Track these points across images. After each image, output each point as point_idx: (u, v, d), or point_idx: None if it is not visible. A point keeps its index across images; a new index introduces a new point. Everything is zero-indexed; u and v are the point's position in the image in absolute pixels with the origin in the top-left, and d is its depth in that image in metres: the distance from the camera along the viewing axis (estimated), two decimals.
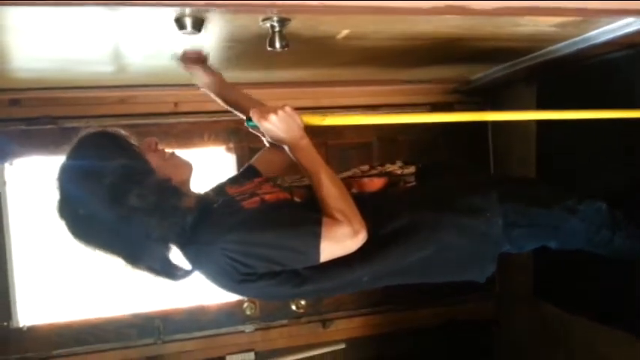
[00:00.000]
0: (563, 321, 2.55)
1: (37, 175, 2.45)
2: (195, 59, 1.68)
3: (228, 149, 2.70)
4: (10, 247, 2.46)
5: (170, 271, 1.32)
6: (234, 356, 2.68)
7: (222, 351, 2.68)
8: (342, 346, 2.85)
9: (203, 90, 1.73)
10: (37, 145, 2.42)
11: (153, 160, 1.31)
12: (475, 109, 2.95)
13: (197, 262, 1.32)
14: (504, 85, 2.66)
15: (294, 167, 1.41)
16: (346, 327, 2.86)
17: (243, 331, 2.71)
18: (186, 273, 1.33)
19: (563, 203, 1.53)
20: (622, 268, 1.95)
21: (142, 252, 1.27)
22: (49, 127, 2.41)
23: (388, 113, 2.81)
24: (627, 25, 1.66)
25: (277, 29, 1.40)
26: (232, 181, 1.60)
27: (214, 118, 2.64)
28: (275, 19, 1.37)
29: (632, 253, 1.65)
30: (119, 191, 1.21)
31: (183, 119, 2.61)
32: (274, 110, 1.28)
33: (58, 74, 2.03)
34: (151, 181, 1.25)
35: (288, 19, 1.39)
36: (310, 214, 1.29)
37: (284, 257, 1.26)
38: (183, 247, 1.32)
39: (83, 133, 1.32)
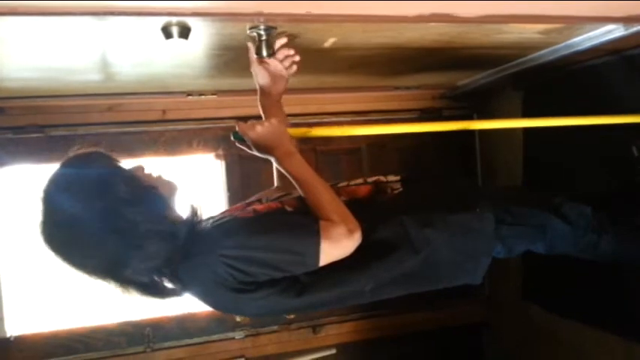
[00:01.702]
0: (551, 324, 2.57)
1: (24, 184, 2.44)
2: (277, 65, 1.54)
3: (217, 156, 2.70)
4: None
5: (158, 286, 1.28)
6: None
7: (213, 358, 2.68)
8: (333, 351, 2.85)
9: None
10: (24, 154, 2.41)
11: (140, 174, 1.31)
12: (463, 114, 2.98)
13: (191, 279, 1.28)
14: (491, 90, 2.68)
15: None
16: (337, 332, 2.86)
17: (233, 338, 2.70)
18: (175, 291, 1.30)
19: (547, 205, 1.55)
20: (609, 271, 1.97)
21: (129, 251, 1.20)
22: (36, 135, 2.40)
23: (376, 119, 2.83)
24: (610, 31, 1.68)
25: (264, 37, 1.41)
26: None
27: (203, 125, 2.65)
28: (262, 27, 1.38)
29: (619, 256, 1.67)
30: (105, 183, 1.20)
31: (171, 127, 2.61)
32: (260, 122, 1.30)
33: (45, 83, 2.02)
34: (138, 182, 1.26)
35: (275, 28, 1.40)
36: (305, 218, 1.30)
37: (284, 261, 1.25)
38: (176, 266, 1.27)
39: (72, 152, 1.30)
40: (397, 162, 2.87)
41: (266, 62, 1.51)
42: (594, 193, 1.92)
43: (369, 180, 1.54)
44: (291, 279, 1.28)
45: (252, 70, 1.53)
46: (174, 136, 2.62)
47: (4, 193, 2.46)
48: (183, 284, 1.29)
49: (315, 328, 2.80)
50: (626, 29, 1.61)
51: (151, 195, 1.26)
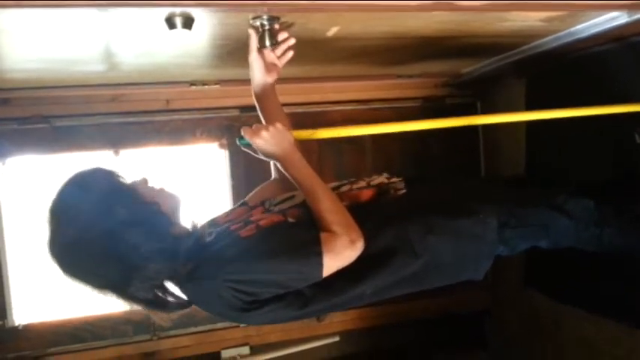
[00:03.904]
0: (553, 311, 2.59)
1: (30, 174, 2.46)
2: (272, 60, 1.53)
3: (221, 145, 2.72)
4: (4, 246, 2.47)
5: (163, 301, 1.30)
6: (229, 351, 2.71)
7: (218, 346, 2.71)
8: (337, 339, 2.88)
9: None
10: (29, 144, 2.43)
11: (142, 190, 1.30)
12: (466, 102, 2.98)
13: (198, 297, 1.32)
14: (494, 77, 2.68)
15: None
16: (340, 320, 2.88)
17: (237, 326, 2.72)
18: (182, 304, 1.33)
19: (550, 202, 1.56)
20: (612, 258, 1.98)
21: (131, 272, 1.22)
22: (41, 126, 2.42)
23: (379, 107, 2.84)
24: (612, 19, 1.67)
25: (267, 27, 1.41)
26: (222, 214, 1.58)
27: (207, 115, 2.66)
28: (265, 17, 1.38)
29: (623, 248, 1.67)
30: (106, 206, 1.20)
31: (175, 116, 2.62)
32: (265, 127, 1.30)
33: (50, 74, 2.03)
34: (139, 199, 1.26)
35: (278, 17, 1.40)
36: (307, 232, 1.30)
37: (288, 279, 1.26)
38: (183, 285, 1.30)
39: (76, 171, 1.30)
40: (400, 149, 2.88)
41: (263, 52, 1.50)
42: (596, 184, 1.92)
43: (373, 183, 1.54)
44: (295, 292, 1.29)
45: (250, 59, 1.51)
46: (178, 125, 2.63)
47: (10, 184, 2.48)
48: (189, 300, 1.33)
49: (319, 316, 2.82)
50: (630, 16, 1.60)
51: (152, 213, 1.26)
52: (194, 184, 2.74)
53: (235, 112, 2.66)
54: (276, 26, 1.44)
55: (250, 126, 1.33)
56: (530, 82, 2.55)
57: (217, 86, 2.46)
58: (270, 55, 1.50)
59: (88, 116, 2.48)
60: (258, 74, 1.53)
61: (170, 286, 1.32)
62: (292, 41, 1.50)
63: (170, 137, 2.62)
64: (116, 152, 2.56)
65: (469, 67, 2.64)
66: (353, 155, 2.87)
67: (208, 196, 2.74)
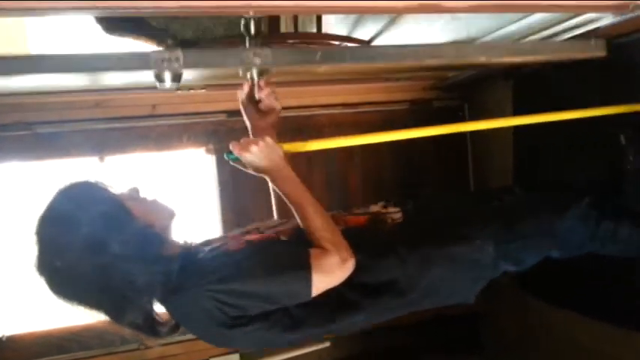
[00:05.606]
0: (547, 314, 2.59)
1: (13, 182, 2.42)
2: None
3: (208, 151, 2.69)
4: None
5: (154, 327, 1.29)
6: (218, 358, 2.68)
7: (207, 354, 2.67)
8: (327, 344, 2.86)
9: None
10: (11, 152, 2.39)
11: (134, 208, 1.25)
12: (453, 104, 2.98)
13: (182, 313, 1.28)
14: (481, 80, 2.69)
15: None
16: None
17: None
18: (172, 329, 1.31)
19: (550, 206, 1.57)
20: (603, 260, 1.97)
21: (125, 304, 1.21)
22: (23, 132, 2.37)
23: (367, 111, 2.83)
24: (596, 19, 1.68)
25: (257, 80, 1.42)
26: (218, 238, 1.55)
27: (193, 120, 2.63)
28: (254, 70, 1.37)
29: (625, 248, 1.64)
30: (98, 239, 1.16)
31: (161, 122, 2.59)
32: (255, 141, 1.27)
33: (31, 79, 1.99)
34: (132, 228, 1.21)
35: (268, 70, 1.40)
36: (298, 248, 1.27)
37: (275, 293, 1.22)
38: (167, 300, 1.27)
39: (62, 185, 1.25)
40: (389, 151, 2.87)
41: (256, 101, 1.49)
42: (588, 183, 1.93)
43: (371, 210, 1.53)
44: (283, 312, 1.26)
45: (242, 108, 1.50)
46: (165, 131, 2.60)
47: None
48: (176, 318, 1.31)
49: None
50: (615, 17, 1.61)
51: (145, 238, 1.22)
52: (181, 189, 2.71)
53: (222, 117, 2.64)
54: (261, 83, 1.44)
55: (237, 137, 1.30)
56: (517, 83, 2.56)
57: (204, 91, 2.44)
58: (266, 101, 1.48)
59: (71, 122, 2.44)
60: (253, 120, 1.50)
61: (159, 311, 1.30)
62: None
63: (156, 143, 2.59)
64: (101, 159, 2.52)
65: (456, 70, 2.64)
66: (342, 159, 2.86)
67: (196, 201, 2.72)
